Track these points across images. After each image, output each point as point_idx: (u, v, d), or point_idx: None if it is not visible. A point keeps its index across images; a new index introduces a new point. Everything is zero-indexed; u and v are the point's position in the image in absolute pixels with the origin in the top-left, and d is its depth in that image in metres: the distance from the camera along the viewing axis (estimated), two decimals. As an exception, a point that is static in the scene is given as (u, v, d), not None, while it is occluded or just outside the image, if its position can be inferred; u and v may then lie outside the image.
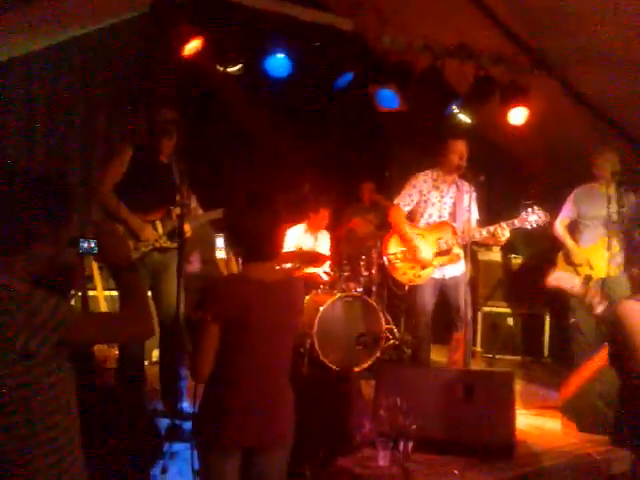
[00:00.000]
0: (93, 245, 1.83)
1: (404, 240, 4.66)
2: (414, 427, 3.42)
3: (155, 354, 4.88)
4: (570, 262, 4.92)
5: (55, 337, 1.56)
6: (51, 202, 1.67)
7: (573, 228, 5.01)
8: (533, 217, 4.38)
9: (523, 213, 4.41)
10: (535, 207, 4.39)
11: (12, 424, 1.54)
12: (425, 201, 4.66)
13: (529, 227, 4.41)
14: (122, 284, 1.83)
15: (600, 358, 4.22)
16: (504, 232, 4.41)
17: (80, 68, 5.60)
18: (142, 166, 3.82)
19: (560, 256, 5.02)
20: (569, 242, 4.93)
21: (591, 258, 4.82)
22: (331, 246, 6.08)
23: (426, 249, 4.55)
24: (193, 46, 4.29)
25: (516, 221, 4.41)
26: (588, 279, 4.80)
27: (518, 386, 3.82)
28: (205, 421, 2.14)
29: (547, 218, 4.45)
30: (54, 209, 1.67)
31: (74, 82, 5.59)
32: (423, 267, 4.60)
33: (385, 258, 4.78)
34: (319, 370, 4.86)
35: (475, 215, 4.67)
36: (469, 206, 4.51)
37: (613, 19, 4.14)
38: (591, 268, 4.82)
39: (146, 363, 4.49)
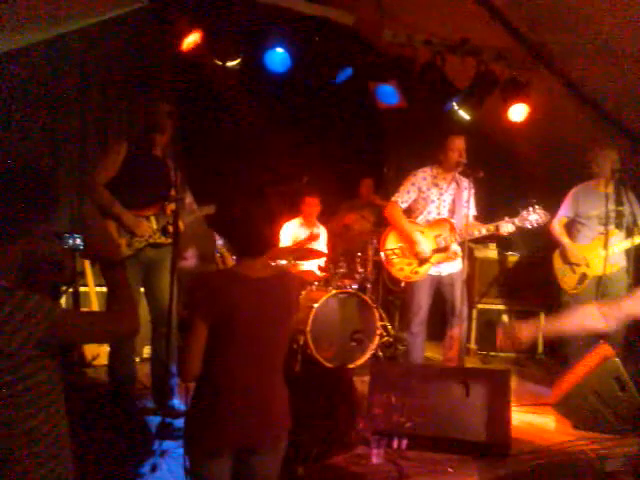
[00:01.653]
0: (79, 241, 1.80)
1: (402, 234, 4.64)
2: (408, 425, 3.42)
3: (146, 351, 4.86)
4: (566, 260, 4.90)
5: (38, 335, 1.53)
6: (33, 195, 1.64)
7: (571, 227, 5.00)
8: (534, 216, 4.37)
9: (524, 212, 4.40)
10: (536, 206, 4.38)
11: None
12: (424, 198, 4.63)
13: (529, 226, 4.39)
14: (109, 281, 1.80)
15: (594, 355, 4.22)
16: (506, 228, 4.41)
17: (76, 61, 5.56)
18: (137, 161, 3.78)
19: (556, 254, 5.01)
20: (565, 240, 4.91)
21: (587, 256, 4.80)
22: (328, 242, 6.06)
23: (425, 243, 4.53)
24: (192, 40, 4.24)
25: (516, 220, 4.40)
26: (584, 277, 4.79)
27: (512, 383, 3.81)
28: (194, 422, 2.10)
29: (547, 217, 4.44)
30: (36, 202, 1.65)
31: (68, 75, 5.55)
32: (420, 263, 4.58)
33: (382, 254, 4.76)
34: (313, 367, 4.84)
35: (472, 211, 4.65)
36: (467, 202, 4.50)
37: (615, 14, 4.09)
38: (587, 266, 4.80)
39: (137, 360, 4.47)
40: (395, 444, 3.44)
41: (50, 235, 1.72)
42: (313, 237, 5.82)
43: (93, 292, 4.82)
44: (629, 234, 4.69)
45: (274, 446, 2.17)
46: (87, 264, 4.81)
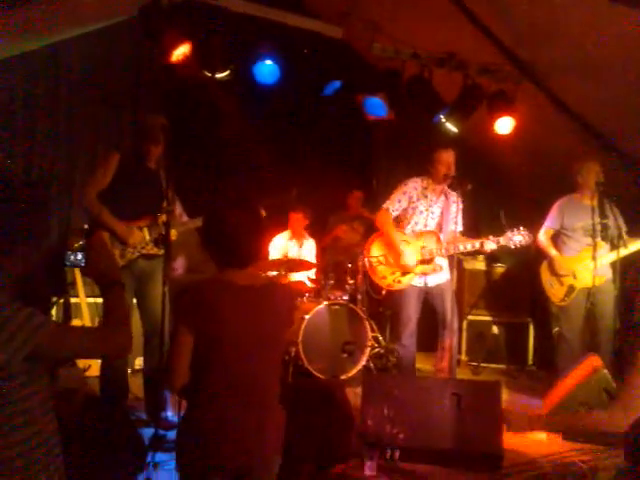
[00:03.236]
0: (80, 257, 1.81)
1: (389, 244, 4.65)
2: (401, 436, 3.42)
3: (138, 362, 4.82)
4: (554, 272, 4.95)
5: (26, 350, 1.51)
6: (28, 209, 1.65)
7: (556, 239, 5.05)
8: (518, 237, 4.44)
9: (508, 232, 4.46)
10: (520, 227, 4.45)
11: None
12: (413, 208, 4.66)
13: (513, 246, 4.47)
14: (107, 299, 1.80)
15: (584, 367, 4.26)
16: (490, 245, 4.47)
17: (67, 72, 5.54)
18: (129, 172, 3.79)
19: (544, 266, 5.05)
20: (553, 252, 4.96)
21: (575, 268, 4.84)
22: (317, 254, 6.07)
23: (410, 255, 4.55)
24: (181, 52, 4.25)
25: (501, 239, 4.47)
26: (571, 289, 4.84)
27: (503, 394, 3.82)
28: (185, 441, 2.03)
29: (531, 239, 4.52)
30: (31, 216, 1.65)
31: (59, 86, 5.53)
32: (404, 273, 4.60)
33: (366, 260, 4.78)
34: (304, 379, 4.83)
35: (459, 227, 4.71)
36: (456, 217, 4.54)
37: (598, 30, 4.18)
38: (575, 278, 4.85)
39: (129, 371, 4.42)
40: (388, 455, 3.43)
41: (42, 248, 1.72)
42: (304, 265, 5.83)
43: (84, 303, 4.78)
44: (614, 246, 4.75)
45: (267, 469, 2.09)
46: (78, 275, 4.77)
